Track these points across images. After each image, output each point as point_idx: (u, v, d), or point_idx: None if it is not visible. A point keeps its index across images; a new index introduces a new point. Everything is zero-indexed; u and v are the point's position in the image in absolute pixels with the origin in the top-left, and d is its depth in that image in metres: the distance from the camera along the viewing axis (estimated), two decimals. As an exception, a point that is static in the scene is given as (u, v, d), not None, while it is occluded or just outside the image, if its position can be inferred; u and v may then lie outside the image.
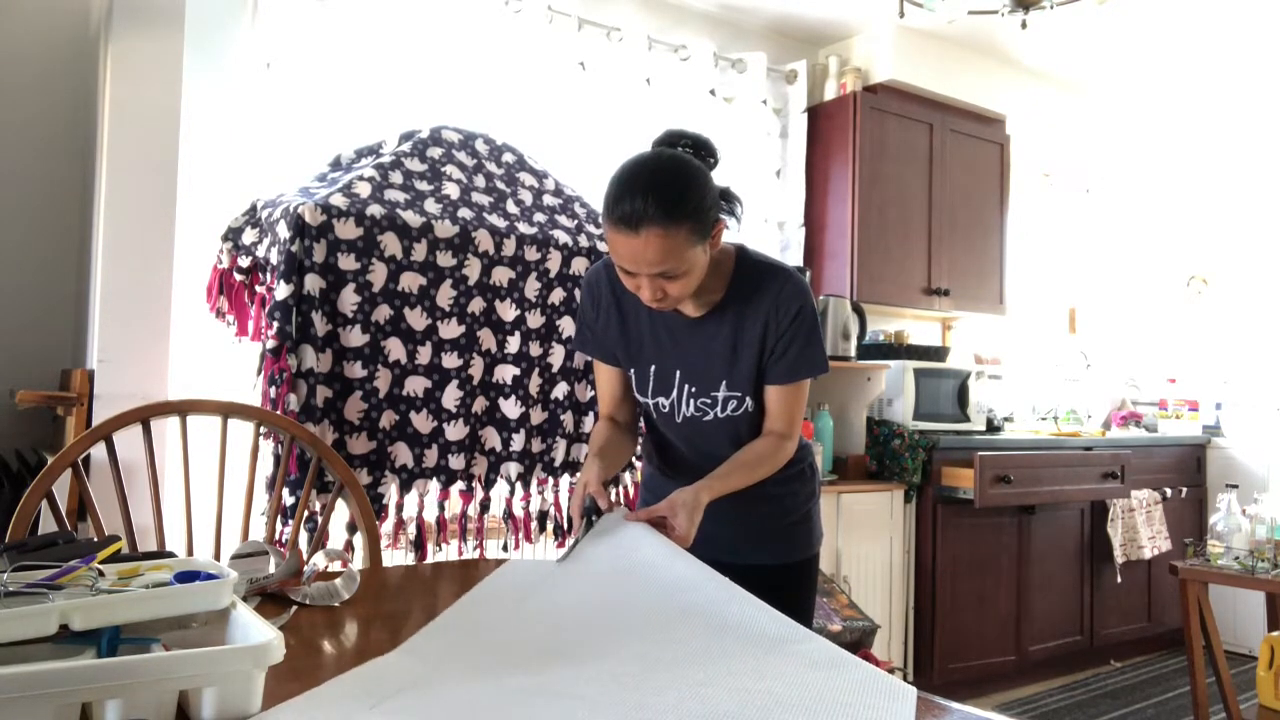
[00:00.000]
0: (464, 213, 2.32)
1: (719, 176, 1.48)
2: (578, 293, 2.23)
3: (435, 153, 2.45)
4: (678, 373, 1.60)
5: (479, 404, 2.33)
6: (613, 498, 2.57)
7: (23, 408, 2.30)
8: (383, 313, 2.18)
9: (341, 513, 2.10)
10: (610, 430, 1.65)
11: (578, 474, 2.14)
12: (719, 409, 1.59)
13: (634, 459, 2.35)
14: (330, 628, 1.23)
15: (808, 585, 1.76)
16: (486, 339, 2.33)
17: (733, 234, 1.55)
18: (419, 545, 2.29)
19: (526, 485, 2.40)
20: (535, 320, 2.39)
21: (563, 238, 2.42)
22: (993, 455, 3.57)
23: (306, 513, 2.02)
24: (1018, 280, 4.58)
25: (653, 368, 1.62)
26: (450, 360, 2.28)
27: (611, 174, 1.41)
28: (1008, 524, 3.79)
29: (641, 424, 1.76)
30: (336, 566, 1.54)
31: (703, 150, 1.48)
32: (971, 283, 4.24)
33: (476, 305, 2.31)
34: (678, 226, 1.35)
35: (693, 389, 1.59)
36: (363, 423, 2.16)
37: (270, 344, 2.05)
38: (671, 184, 1.36)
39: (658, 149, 1.47)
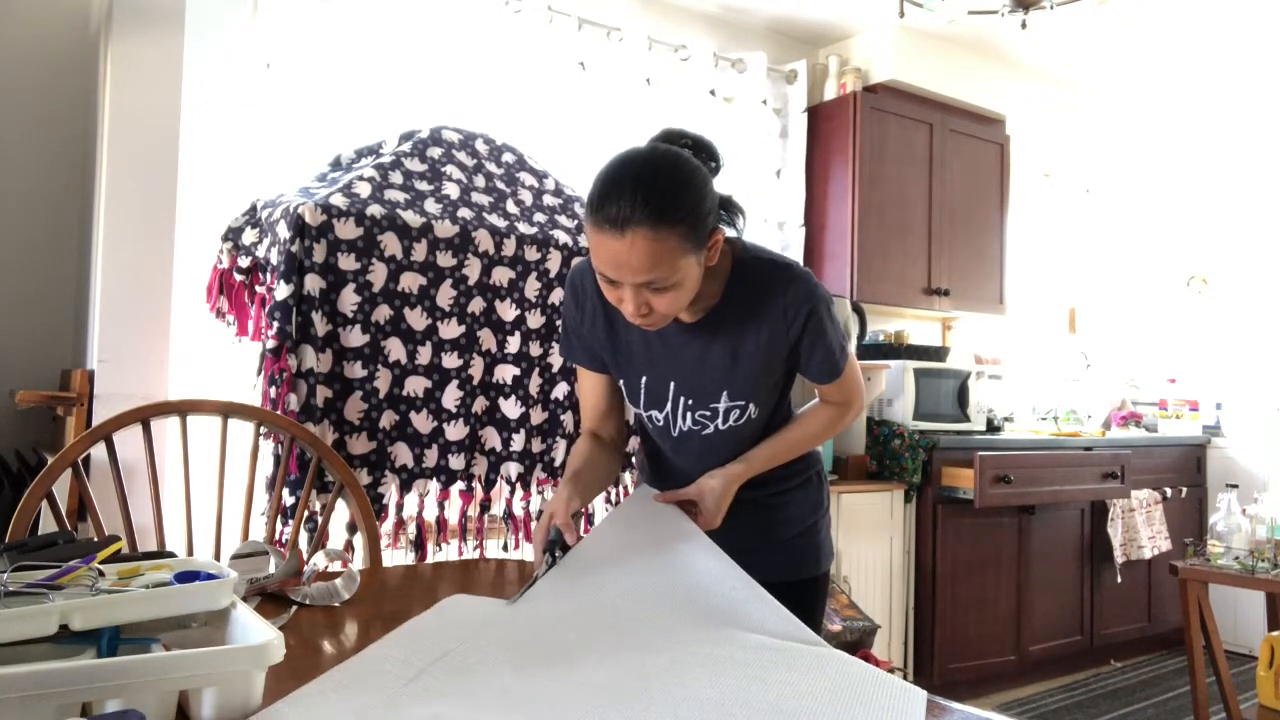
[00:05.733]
0: (464, 213, 2.32)
1: (721, 183, 1.35)
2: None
3: (435, 153, 2.45)
4: (672, 384, 1.45)
5: (479, 404, 2.33)
6: (612, 498, 2.57)
7: (23, 408, 2.30)
8: (383, 313, 2.18)
9: (341, 513, 2.10)
10: (591, 448, 1.49)
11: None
12: (720, 421, 1.45)
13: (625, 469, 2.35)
14: (330, 628, 1.23)
15: (811, 607, 1.57)
16: (486, 339, 2.33)
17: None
18: (419, 545, 2.29)
19: (526, 485, 2.40)
20: (535, 320, 2.39)
21: (563, 238, 2.42)
22: (993, 455, 3.57)
23: (306, 513, 2.01)
24: (1018, 280, 4.58)
25: (644, 379, 1.47)
26: (450, 360, 2.28)
27: (598, 170, 1.26)
28: (1008, 524, 3.79)
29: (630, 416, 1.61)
30: (336, 566, 1.54)
31: (703, 152, 1.33)
32: (971, 283, 4.24)
33: (476, 305, 2.31)
34: (669, 230, 1.19)
35: (689, 401, 1.45)
36: (363, 423, 2.16)
37: (270, 344, 2.05)
38: (665, 182, 1.21)
39: (653, 144, 1.32)
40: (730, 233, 1.38)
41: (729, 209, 1.36)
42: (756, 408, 1.45)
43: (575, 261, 1.49)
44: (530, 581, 1.24)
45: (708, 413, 1.45)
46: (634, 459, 1.79)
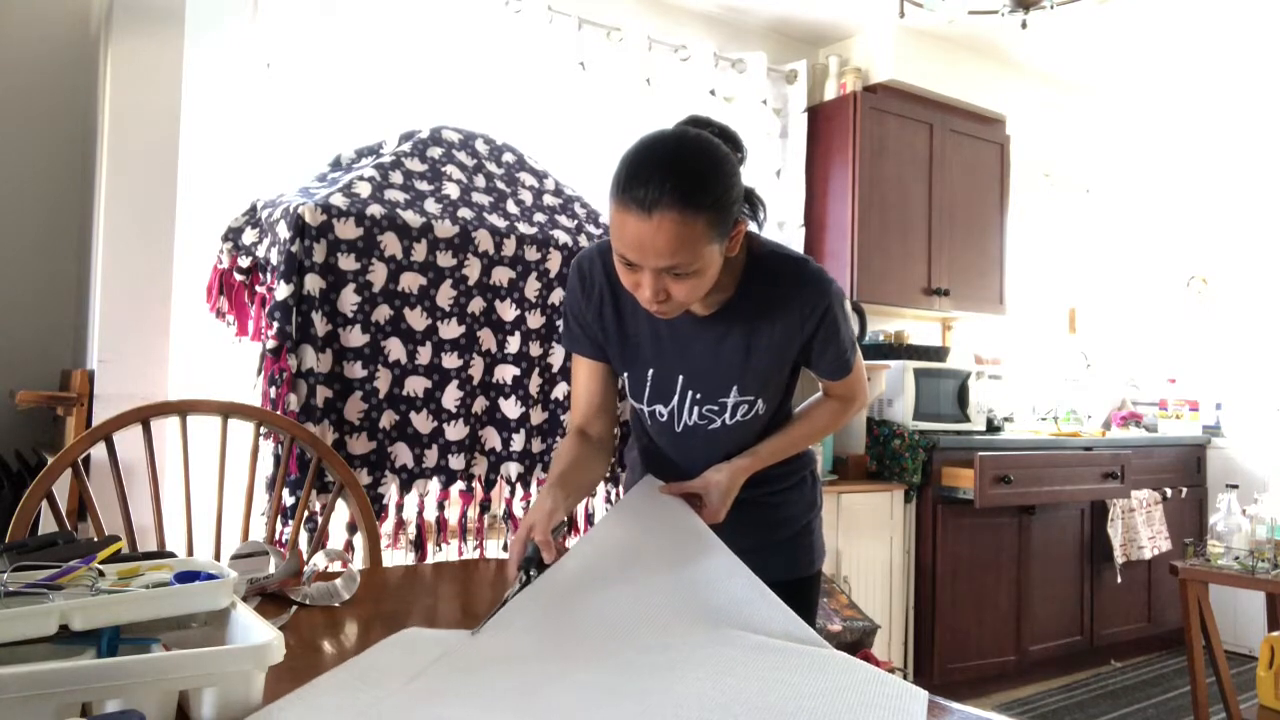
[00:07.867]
0: (464, 213, 2.32)
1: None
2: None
3: (435, 153, 2.45)
4: (680, 377, 1.43)
5: (479, 404, 2.33)
6: (613, 497, 2.57)
7: (23, 408, 2.30)
8: (383, 313, 2.18)
9: (341, 513, 2.10)
10: (579, 449, 1.44)
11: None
12: (727, 416, 1.43)
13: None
14: (330, 628, 1.23)
15: (807, 605, 1.56)
16: (486, 339, 2.33)
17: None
18: (419, 545, 2.29)
19: (526, 485, 2.40)
20: (535, 320, 2.39)
21: (563, 238, 2.42)
22: (993, 455, 3.57)
23: (306, 513, 2.01)
24: (1018, 280, 4.58)
25: (650, 371, 1.44)
26: (450, 360, 2.28)
27: (625, 150, 1.23)
28: (1008, 524, 3.79)
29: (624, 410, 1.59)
30: (336, 566, 1.54)
31: (729, 141, 1.29)
32: (971, 283, 4.24)
33: (476, 305, 2.31)
34: (696, 215, 1.16)
35: (697, 395, 1.43)
36: (363, 423, 2.16)
37: (270, 344, 2.05)
38: (696, 166, 1.19)
39: (682, 128, 1.28)
40: (751, 226, 1.36)
41: (751, 201, 1.33)
42: (765, 403, 1.44)
43: (583, 249, 1.47)
44: (499, 604, 1.15)
45: (715, 407, 1.43)
46: (625, 460, 1.77)
